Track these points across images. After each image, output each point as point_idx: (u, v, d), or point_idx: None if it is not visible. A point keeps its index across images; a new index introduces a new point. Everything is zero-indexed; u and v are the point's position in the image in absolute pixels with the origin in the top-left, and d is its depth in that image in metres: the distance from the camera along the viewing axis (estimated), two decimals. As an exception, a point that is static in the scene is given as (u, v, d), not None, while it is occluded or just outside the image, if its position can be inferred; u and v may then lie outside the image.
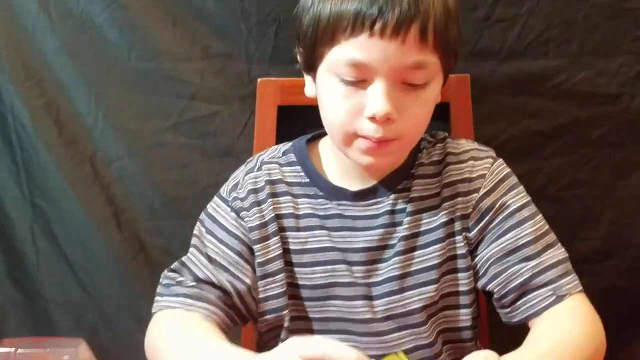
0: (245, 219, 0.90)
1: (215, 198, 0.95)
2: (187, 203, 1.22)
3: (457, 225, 0.88)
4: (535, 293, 0.83)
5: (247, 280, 0.89)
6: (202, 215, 0.94)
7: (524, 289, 0.84)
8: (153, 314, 0.89)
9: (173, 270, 0.92)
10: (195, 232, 0.94)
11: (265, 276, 0.90)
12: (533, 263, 0.84)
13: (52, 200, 1.23)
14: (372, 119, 0.79)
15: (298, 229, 0.90)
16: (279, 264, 0.90)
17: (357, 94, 0.80)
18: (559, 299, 0.82)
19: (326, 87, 0.83)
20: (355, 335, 0.89)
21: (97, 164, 1.22)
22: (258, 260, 0.89)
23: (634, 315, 1.21)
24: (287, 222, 0.90)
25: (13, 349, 0.71)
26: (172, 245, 1.21)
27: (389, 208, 0.89)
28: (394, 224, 0.89)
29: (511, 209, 0.87)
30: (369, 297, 0.89)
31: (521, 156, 1.17)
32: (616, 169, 1.22)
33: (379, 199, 0.89)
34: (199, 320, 0.85)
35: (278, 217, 0.90)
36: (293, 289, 0.90)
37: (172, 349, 0.81)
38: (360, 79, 0.79)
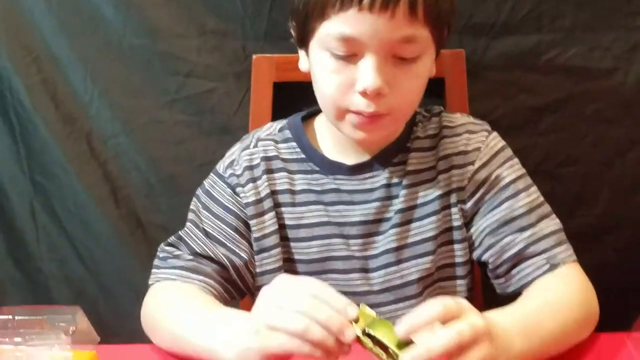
0: (240, 195, 0.91)
1: (212, 174, 0.95)
2: (184, 180, 1.23)
3: (453, 198, 0.89)
4: (529, 262, 0.84)
5: (244, 255, 0.90)
6: (199, 191, 0.95)
7: (518, 259, 0.85)
8: (150, 285, 0.90)
9: (170, 244, 0.93)
10: (192, 207, 0.95)
11: (261, 251, 0.91)
12: (527, 233, 0.85)
13: (52, 177, 1.24)
14: (364, 93, 0.79)
15: (294, 205, 0.91)
16: (274, 239, 0.91)
17: (348, 68, 0.80)
18: (553, 267, 0.83)
19: (318, 62, 0.83)
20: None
21: (93, 141, 1.23)
22: (254, 235, 0.91)
23: (630, 292, 1.22)
24: (283, 198, 0.91)
25: (11, 316, 0.73)
26: (170, 222, 1.23)
27: (385, 182, 0.90)
28: (390, 197, 0.90)
29: (506, 181, 0.88)
30: (366, 270, 0.90)
31: (516, 132, 1.17)
32: (613, 145, 1.22)
33: (374, 173, 0.90)
34: (195, 291, 0.86)
35: (273, 193, 0.91)
36: (289, 264, 0.91)
37: (168, 316, 0.83)
38: (350, 54, 0.79)
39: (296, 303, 0.63)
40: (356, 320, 0.62)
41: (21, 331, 0.70)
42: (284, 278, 0.68)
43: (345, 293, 0.86)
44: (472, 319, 0.63)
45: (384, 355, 0.62)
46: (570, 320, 0.77)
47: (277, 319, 0.63)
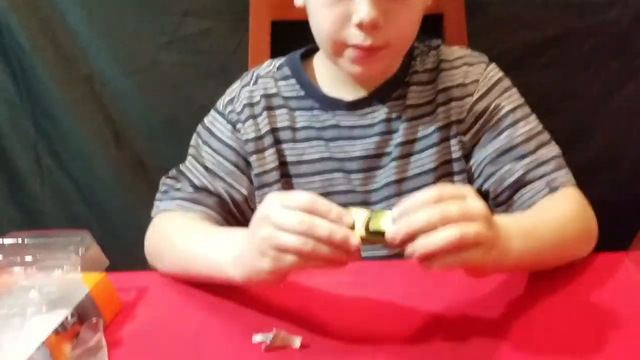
0: (240, 132, 0.92)
1: (212, 111, 0.96)
2: (183, 123, 1.19)
3: (452, 130, 0.89)
4: (529, 187, 0.85)
5: (243, 191, 0.91)
6: (199, 128, 0.96)
7: (518, 185, 0.86)
8: (152, 218, 0.92)
9: (171, 178, 0.94)
10: (192, 143, 0.95)
11: (262, 187, 0.92)
12: (527, 160, 0.85)
13: (54, 120, 1.24)
14: (360, 26, 0.79)
15: (295, 141, 0.92)
16: (275, 176, 0.91)
17: (343, 2, 0.80)
18: (552, 190, 0.84)
19: None
20: (353, 206, 0.90)
21: (93, 83, 1.23)
22: (254, 171, 0.91)
23: (626, 228, 1.23)
24: (284, 135, 0.92)
25: (20, 239, 0.73)
26: (171, 165, 1.19)
27: (384, 117, 0.90)
28: (390, 132, 0.90)
29: (505, 110, 0.88)
30: (367, 204, 0.91)
31: (515, 68, 1.14)
32: (610, 80, 1.22)
33: (374, 108, 0.90)
34: (197, 218, 0.88)
35: (274, 130, 0.92)
36: None
37: (172, 240, 0.84)
38: None
39: (296, 222, 0.62)
40: (352, 227, 0.63)
41: (31, 252, 0.71)
42: (276, 195, 0.67)
43: (346, 191, 0.90)
44: (470, 198, 0.62)
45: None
46: (569, 231, 0.78)
47: (282, 240, 0.63)
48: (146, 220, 0.93)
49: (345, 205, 0.89)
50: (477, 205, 0.62)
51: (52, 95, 1.22)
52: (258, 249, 0.65)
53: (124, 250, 1.27)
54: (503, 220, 0.68)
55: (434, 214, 0.59)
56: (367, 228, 0.62)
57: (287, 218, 0.63)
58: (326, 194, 0.91)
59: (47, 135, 1.25)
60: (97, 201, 1.27)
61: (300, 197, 0.64)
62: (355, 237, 0.61)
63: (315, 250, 0.61)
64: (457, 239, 0.58)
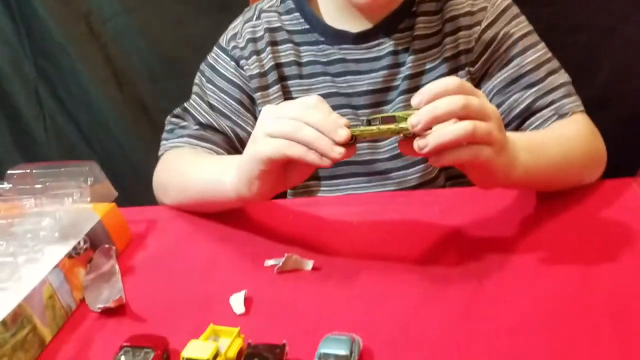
0: (244, 68, 0.90)
1: (215, 48, 0.94)
2: (185, 63, 1.17)
3: (461, 60, 0.88)
4: (537, 115, 0.84)
5: (248, 128, 0.90)
6: (203, 66, 0.94)
7: (526, 114, 0.85)
8: (160, 156, 0.91)
9: (176, 116, 0.94)
10: (196, 81, 0.94)
11: None
12: (536, 88, 0.84)
13: (54, 60, 1.23)
14: None
15: (301, 77, 0.90)
16: None
17: None
18: (561, 117, 0.83)
19: None
20: (360, 176, 0.91)
21: (92, 22, 1.21)
22: (259, 108, 0.90)
23: (631, 163, 1.23)
24: (289, 71, 0.90)
25: (29, 170, 0.73)
26: (174, 106, 1.20)
27: (391, 49, 0.88)
28: (397, 65, 0.88)
29: (514, 38, 0.86)
30: (375, 140, 0.90)
31: (519, 3, 1.15)
32: (616, 11, 1.19)
33: (381, 40, 0.88)
34: (203, 152, 0.88)
35: (278, 65, 0.90)
36: None
37: (178, 170, 0.85)
38: None
39: (291, 111, 0.63)
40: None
41: (40, 181, 0.71)
42: (270, 106, 0.67)
43: (354, 163, 0.90)
44: (484, 98, 0.61)
45: (391, 128, 0.60)
46: (576, 152, 0.78)
47: (272, 125, 0.63)
48: (149, 161, 0.93)
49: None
50: (491, 105, 0.61)
51: (51, 34, 1.21)
52: (254, 136, 0.65)
53: (127, 192, 1.28)
54: (511, 134, 0.67)
55: (457, 103, 0.58)
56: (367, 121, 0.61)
57: (286, 109, 0.63)
58: None
59: (48, 78, 1.24)
60: (100, 143, 1.27)
61: (305, 98, 0.64)
62: (345, 130, 0.60)
63: (298, 131, 0.61)
64: (471, 132, 0.58)
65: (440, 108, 0.58)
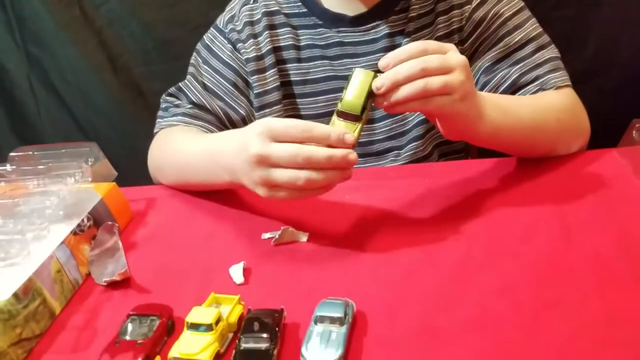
0: (241, 51, 0.91)
1: (212, 29, 0.95)
2: (179, 45, 1.21)
3: (454, 39, 0.89)
4: (523, 90, 0.85)
5: (241, 111, 0.92)
6: (199, 46, 0.95)
7: (512, 90, 0.86)
8: (155, 134, 0.93)
9: (171, 95, 0.95)
10: (192, 61, 0.95)
11: (263, 107, 0.92)
12: (522, 64, 0.85)
13: (46, 47, 1.23)
14: None
15: (299, 60, 0.91)
16: (276, 96, 0.92)
17: None
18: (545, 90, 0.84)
19: None
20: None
21: (85, 6, 1.21)
22: (255, 91, 0.91)
23: (615, 136, 1.25)
24: (287, 54, 0.91)
25: (30, 152, 0.75)
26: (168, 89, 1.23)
27: (387, 31, 0.89)
28: (393, 47, 0.89)
29: (504, 17, 0.87)
30: (371, 121, 0.91)
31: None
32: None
33: (377, 22, 0.89)
34: (197, 131, 0.90)
35: (276, 49, 0.91)
36: None
37: (173, 149, 0.86)
38: None
39: (290, 156, 0.62)
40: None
41: (42, 162, 0.73)
42: (267, 127, 0.65)
43: None
44: (451, 53, 0.66)
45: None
46: (550, 119, 0.79)
47: (275, 177, 0.63)
48: (145, 145, 0.94)
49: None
50: (456, 57, 0.65)
51: (42, 20, 1.20)
52: (253, 181, 0.65)
53: (124, 176, 1.30)
54: (483, 93, 0.72)
55: (415, 68, 0.63)
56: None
57: (282, 152, 0.62)
58: (330, 114, 0.91)
59: (40, 65, 1.24)
60: (95, 130, 1.27)
61: (292, 127, 0.63)
62: (350, 135, 0.63)
63: (309, 181, 0.62)
64: (422, 89, 0.63)
65: (401, 73, 0.64)
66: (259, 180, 0.64)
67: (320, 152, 0.61)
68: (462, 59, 0.65)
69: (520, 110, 0.76)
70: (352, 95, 0.65)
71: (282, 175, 0.62)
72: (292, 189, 0.63)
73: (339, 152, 0.61)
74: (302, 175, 0.62)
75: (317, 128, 0.62)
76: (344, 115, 0.65)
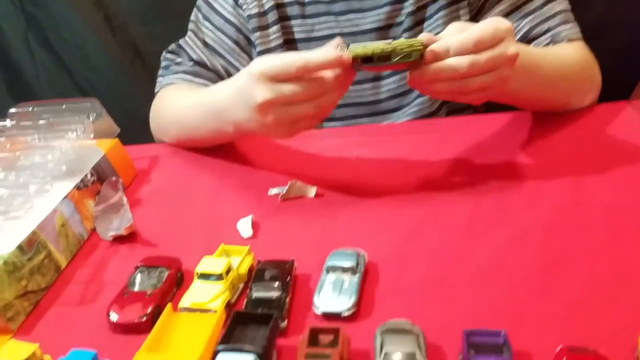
0: (243, 7, 0.89)
1: None
2: (177, 3, 1.16)
3: None
4: (535, 42, 0.83)
5: (242, 68, 0.89)
6: (200, 2, 0.92)
7: (524, 42, 0.83)
8: (156, 93, 0.91)
9: (171, 52, 0.93)
10: (192, 18, 0.93)
11: None
12: (532, 16, 0.83)
13: (43, 7, 1.19)
14: None
15: (304, 17, 0.89)
16: (279, 53, 0.89)
17: None
18: (557, 44, 0.82)
19: None
20: (362, 117, 0.91)
21: (81, -36, 1.17)
22: (258, 49, 0.89)
23: (626, 91, 1.24)
24: (291, 11, 0.89)
25: (30, 108, 0.74)
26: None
27: None
28: (399, 1, 0.86)
29: None
30: (378, 79, 0.89)
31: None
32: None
33: None
34: (198, 87, 0.88)
35: (279, 5, 0.88)
36: None
37: (175, 106, 0.85)
38: None
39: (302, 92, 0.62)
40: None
41: (44, 117, 0.71)
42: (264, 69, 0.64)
43: (356, 105, 0.90)
44: (507, 39, 0.63)
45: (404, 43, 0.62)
46: (568, 72, 0.78)
47: (295, 113, 0.63)
48: (144, 106, 0.92)
49: (356, 82, 0.88)
50: (510, 50, 0.62)
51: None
52: (267, 127, 0.65)
53: (123, 136, 1.28)
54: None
55: (463, 64, 0.61)
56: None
57: (289, 91, 0.62)
58: None
59: (37, 25, 1.20)
60: (94, 91, 1.24)
61: (288, 66, 0.62)
62: (346, 54, 0.62)
63: (321, 106, 0.63)
64: (457, 89, 0.62)
65: (443, 69, 0.61)
66: (274, 123, 0.64)
67: (325, 77, 0.62)
68: (514, 54, 0.63)
69: (542, 65, 0.75)
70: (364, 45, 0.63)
71: (296, 110, 0.63)
72: (310, 117, 0.64)
73: (337, 71, 0.62)
74: (315, 102, 0.62)
75: (312, 61, 0.61)
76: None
